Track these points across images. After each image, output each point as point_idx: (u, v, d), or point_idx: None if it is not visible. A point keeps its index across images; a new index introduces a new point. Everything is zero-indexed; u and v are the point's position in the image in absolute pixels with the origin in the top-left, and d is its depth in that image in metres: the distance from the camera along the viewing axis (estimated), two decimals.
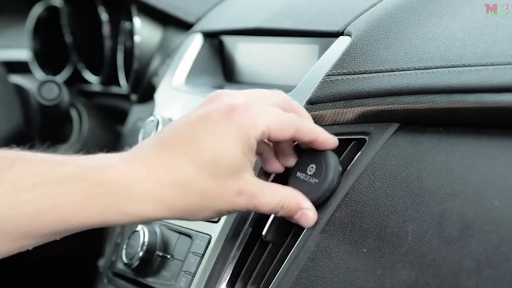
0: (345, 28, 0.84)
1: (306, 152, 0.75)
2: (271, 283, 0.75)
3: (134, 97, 1.24)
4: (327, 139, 0.74)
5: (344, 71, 0.79)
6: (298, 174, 0.75)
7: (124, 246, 0.91)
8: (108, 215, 0.67)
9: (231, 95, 0.71)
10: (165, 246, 0.89)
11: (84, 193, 0.66)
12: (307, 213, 0.72)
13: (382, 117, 0.75)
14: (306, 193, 0.73)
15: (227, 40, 1.07)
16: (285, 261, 0.75)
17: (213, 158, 0.68)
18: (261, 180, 0.71)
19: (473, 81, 0.69)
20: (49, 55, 1.51)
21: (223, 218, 0.83)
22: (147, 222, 0.71)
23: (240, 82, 1.06)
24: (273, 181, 0.79)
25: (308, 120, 0.75)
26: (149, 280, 0.90)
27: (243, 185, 0.69)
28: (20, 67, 1.52)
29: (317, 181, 0.73)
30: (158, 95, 1.08)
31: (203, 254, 0.83)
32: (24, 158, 0.66)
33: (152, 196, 0.67)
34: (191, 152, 0.68)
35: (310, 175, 0.74)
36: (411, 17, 0.82)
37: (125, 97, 1.31)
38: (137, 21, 1.21)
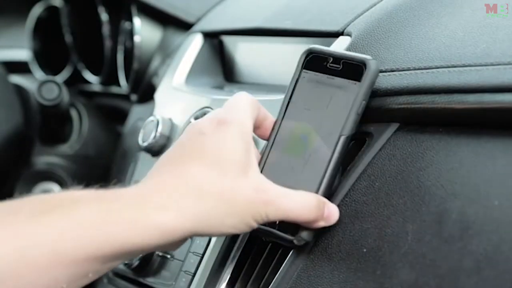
0: (345, 28, 0.84)
1: None
2: (271, 283, 0.75)
3: (134, 97, 1.24)
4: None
5: None
6: None
7: None
8: (132, 231, 0.64)
9: (207, 115, 0.74)
10: None
11: (101, 210, 0.64)
12: (332, 208, 0.72)
13: (382, 117, 0.75)
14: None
15: (227, 40, 1.07)
16: (285, 261, 0.75)
17: (218, 158, 0.68)
18: (273, 184, 0.70)
19: (473, 81, 0.69)
20: (49, 55, 1.51)
21: None
22: (175, 240, 0.67)
23: (240, 82, 1.06)
24: None
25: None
26: (149, 280, 0.90)
27: (258, 185, 0.69)
28: (20, 67, 1.52)
29: None
30: (158, 95, 1.08)
31: (203, 254, 0.83)
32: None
33: (170, 205, 0.66)
34: (197, 158, 0.68)
35: None
36: (411, 17, 0.82)
37: (125, 97, 1.31)
38: (137, 21, 1.21)
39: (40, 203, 0.64)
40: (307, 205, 0.70)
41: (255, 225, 0.69)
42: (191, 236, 0.68)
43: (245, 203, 0.68)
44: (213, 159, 0.68)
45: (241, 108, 0.72)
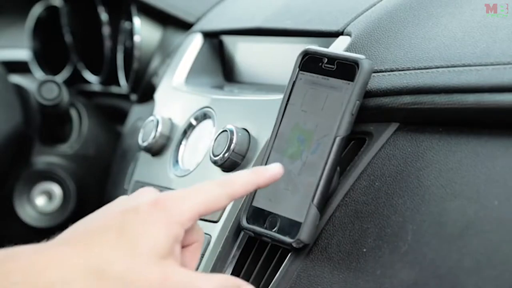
0: (345, 28, 0.84)
1: None
2: (271, 283, 0.75)
3: (134, 97, 1.24)
4: (267, 178, 0.68)
5: None
6: None
7: None
8: None
9: (156, 191, 0.68)
10: None
11: None
12: None
13: (381, 117, 0.75)
14: None
15: (227, 40, 1.07)
16: (285, 261, 0.75)
17: (136, 240, 0.63)
18: (189, 270, 0.66)
19: (473, 81, 0.69)
20: (49, 55, 1.51)
21: (223, 218, 0.83)
22: None
23: (240, 82, 1.06)
24: None
25: (240, 175, 0.69)
26: None
27: (169, 272, 0.63)
28: (20, 67, 1.52)
29: None
30: (158, 95, 1.08)
31: (203, 254, 0.83)
32: None
33: (66, 283, 0.60)
34: (110, 239, 0.63)
35: None
36: (410, 17, 0.82)
37: (125, 97, 1.31)
38: (137, 21, 1.21)
39: None
40: None
41: None
42: None
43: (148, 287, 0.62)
44: (130, 240, 0.63)
45: (192, 199, 0.66)
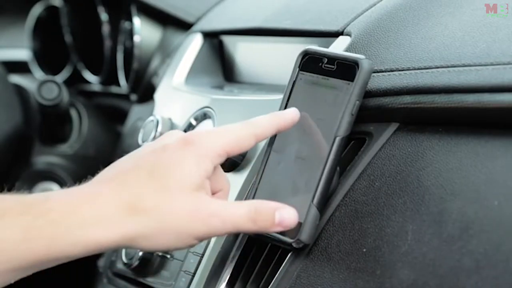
0: (344, 28, 0.84)
1: None
2: (270, 283, 0.75)
3: (134, 97, 1.25)
4: (287, 120, 0.72)
5: None
6: None
7: None
8: (53, 247, 0.62)
9: (181, 132, 0.70)
10: None
11: (24, 226, 0.61)
12: (286, 211, 0.67)
13: (381, 117, 0.75)
14: None
15: (227, 40, 1.07)
16: (285, 261, 0.75)
17: (166, 175, 0.65)
18: (219, 199, 0.67)
19: (472, 81, 0.69)
20: (49, 55, 1.51)
21: None
22: (103, 251, 0.65)
23: (239, 82, 1.06)
24: None
25: (263, 117, 0.72)
26: (149, 280, 0.90)
27: (201, 203, 0.65)
28: (20, 67, 1.52)
29: None
30: (158, 95, 1.08)
31: (203, 254, 0.83)
32: None
33: (98, 221, 0.63)
34: (141, 176, 0.65)
35: None
36: (410, 17, 0.82)
37: (125, 97, 1.31)
38: (137, 21, 1.21)
39: None
40: (238, 214, 0.66)
41: (195, 243, 0.66)
42: (122, 248, 0.66)
43: (181, 221, 0.64)
44: (160, 175, 0.65)
45: (220, 136, 0.68)
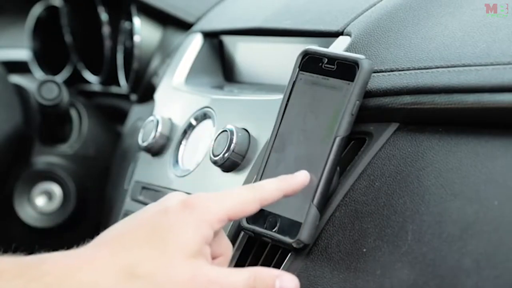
0: (344, 28, 0.84)
1: None
2: None
3: (134, 97, 1.24)
4: (295, 186, 0.70)
5: None
6: None
7: None
8: None
9: (184, 194, 0.68)
10: None
11: None
12: (287, 279, 0.66)
13: (381, 117, 0.75)
14: None
15: (227, 40, 1.07)
16: (285, 261, 0.75)
17: (166, 240, 0.63)
18: (218, 266, 0.66)
19: (472, 81, 0.69)
20: (49, 55, 1.51)
21: None
22: None
23: (239, 82, 1.06)
24: None
25: (270, 181, 0.70)
26: None
27: (199, 270, 0.63)
28: (20, 67, 1.52)
29: None
30: (158, 95, 1.08)
31: None
32: None
33: (94, 286, 0.61)
34: (140, 240, 0.64)
35: None
36: (410, 17, 0.82)
37: (125, 97, 1.31)
38: (137, 21, 1.21)
39: None
40: (238, 282, 0.65)
41: None
42: None
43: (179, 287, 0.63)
44: (159, 239, 0.63)
45: (223, 200, 0.66)
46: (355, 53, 0.79)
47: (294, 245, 0.73)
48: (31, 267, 0.62)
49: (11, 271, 0.62)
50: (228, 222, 0.67)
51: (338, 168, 0.74)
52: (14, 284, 0.61)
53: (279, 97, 0.80)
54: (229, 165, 0.84)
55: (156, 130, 0.97)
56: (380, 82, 0.75)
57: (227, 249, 0.70)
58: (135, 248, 0.63)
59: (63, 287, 0.61)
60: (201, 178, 0.89)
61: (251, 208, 0.68)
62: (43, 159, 1.38)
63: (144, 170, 1.01)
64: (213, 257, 0.68)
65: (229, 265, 0.80)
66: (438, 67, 0.73)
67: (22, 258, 0.63)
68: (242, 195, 0.68)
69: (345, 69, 0.74)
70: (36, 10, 1.50)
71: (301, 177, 0.71)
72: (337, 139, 0.73)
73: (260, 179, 0.77)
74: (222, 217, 0.66)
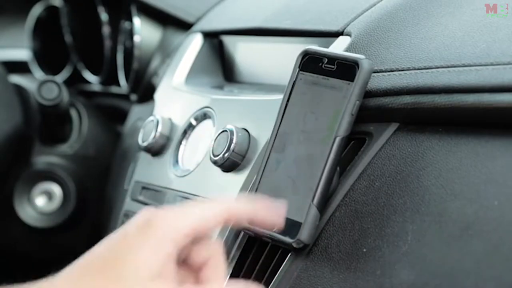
0: (345, 28, 0.84)
1: None
2: (271, 283, 0.75)
3: (134, 97, 1.24)
4: (266, 221, 0.68)
5: None
6: None
7: None
8: None
9: (154, 210, 0.65)
10: None
11: None
12: None
13: (382, 117, 0.75)
14: None
15: (227, 40, 1.07)
16: (285, 261, 0.75)
17: (118, 263, 0.61)
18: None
19: (472, 81, 0.69)
20: (49, 55, 1.51)
21: None
22: None
23: (239, 82, 1.06)
24: None
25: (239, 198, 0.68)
26: None
27: None
28: (20, 67, 1.52)
29: None
30: (158, 95, 1.08)
31: None
32: None
33: None
34: (97, 268, 0.62)
35: None
36: (410, 17, 0.82)
37: (125, 97, 1.31)
38: (137, 21, 1.21)
39: None
40: None
41: None
42: None
43: None
44: (114, 266, 0.61)
45: (183, 214, 0.64)
46: (355, 53, 0.79)
47: (294, 245, 0.73)
48: None
49: None
50: (196, 235, 0.64)
51: (338, 168, 0.74)
52: None
53: (279, 97, 0.80)
54: (229, 165, 0.84)
55: (156, 130, 0.97)
56: (380, 82, 0.75)
57: (215, 251, 0.66)
58: (91, 278, 0.62)
59: None
60: (201, 178, 0.89)
61: (217, 220, 0.65)
62: (43, 159, 1.38)
63: (144, 170, 1.01)
64: (204, 262, 0.65)
65: (229, 265, 0.80)
66: (438, 67, 0.73)
67: None
68: (208, 208, 0.65)
69: (345, 69, 0.74)
70: (36, 10, 1.50)
71: (277, 214, 0.69)
72: (337, 139, 0.73)
73: (260, 179, 0.77)
74: (188, 232, 0.63)
